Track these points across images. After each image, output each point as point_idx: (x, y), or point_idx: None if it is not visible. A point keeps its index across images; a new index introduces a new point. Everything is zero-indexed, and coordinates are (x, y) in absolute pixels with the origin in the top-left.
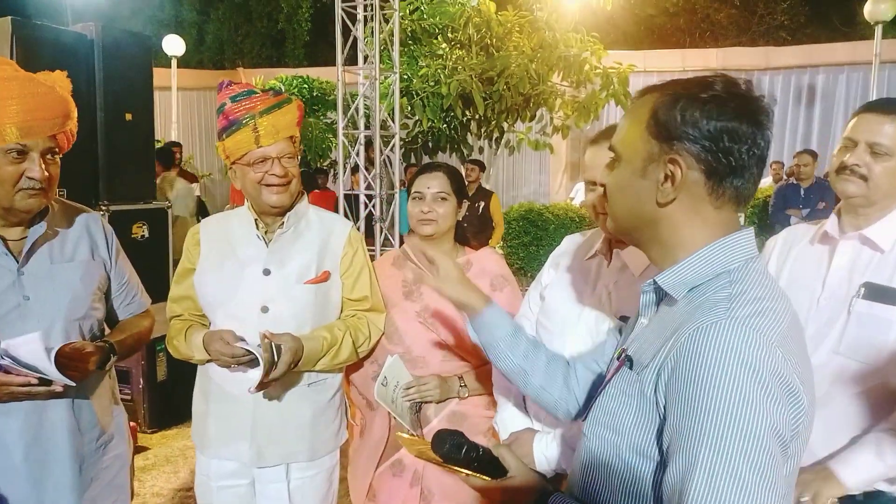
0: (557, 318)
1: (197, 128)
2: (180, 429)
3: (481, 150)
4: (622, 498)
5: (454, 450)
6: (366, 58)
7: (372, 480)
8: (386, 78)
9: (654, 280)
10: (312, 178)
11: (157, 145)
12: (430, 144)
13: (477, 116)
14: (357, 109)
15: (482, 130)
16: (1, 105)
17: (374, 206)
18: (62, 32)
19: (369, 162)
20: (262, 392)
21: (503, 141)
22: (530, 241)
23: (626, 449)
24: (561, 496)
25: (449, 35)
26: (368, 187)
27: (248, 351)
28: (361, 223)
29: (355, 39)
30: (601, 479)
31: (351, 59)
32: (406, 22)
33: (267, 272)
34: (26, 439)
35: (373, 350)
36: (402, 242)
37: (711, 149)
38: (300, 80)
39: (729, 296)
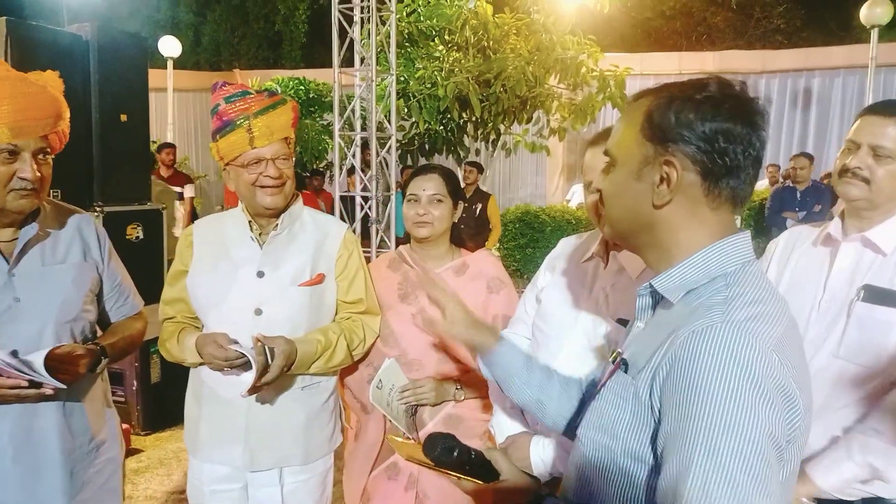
0: (554, 321)
1: (193, 129)
2: (174, 431)
3: (478, 152)
4: (616, 502)
5: (446, 453)
6: (362, 59)
7: (366, 484)
8: (382, 80)
9: (650, 283)
10: (300, 179)
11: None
12: (426, 146)
13: (474, 118)
14: (353, 111)
15: (479, 132)
16: None
17: (370, 208)
18: (57, 33)
19: (365, 164)
20: (255, 395)
21: (500, 143)
22: (526, 243)
23: (621, 453)
24: (553, 500)
25: (446, 37)
26: (364, 189)
27: (241, 353)
28: (357, 225)
29: (352, 41)
30: (595, 482)
31: (348, 61)
32: (403, 24)
33: (261, 274)
34: (16, 443)
35: (368, 353)
36: (398, 244)
37: (707, 150)
38: (297, 81)
39: (725, 299)
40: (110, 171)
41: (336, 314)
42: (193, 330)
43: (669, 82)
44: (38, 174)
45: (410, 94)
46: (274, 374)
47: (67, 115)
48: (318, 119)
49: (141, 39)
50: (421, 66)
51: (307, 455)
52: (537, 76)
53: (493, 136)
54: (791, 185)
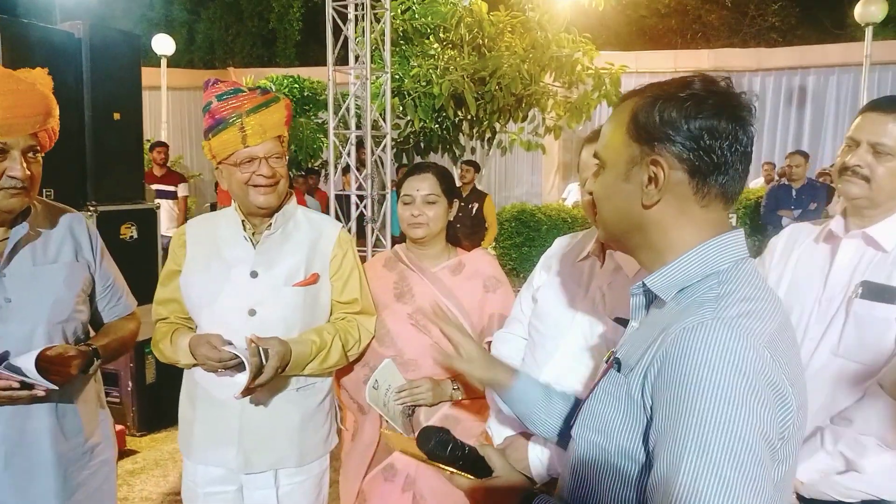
0: (550, 320)
1: (187, 128)
2: (169, 432)
3: (473, 150)
4: (610, 500)
5: (439, 447)
6: (357, 57)
7: (362, 485)
8: (377, 78)
9: (642, 283)
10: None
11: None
12: (421, 145)
13: (469, 117)
14: (348, 109)
15: (474, 131)
16: None
17: (365, 207)
18: (50, 31)
19: (360, 162)
20: (249, 397)
21: (495, 141)
22: (522, 241)
23: (615, 452)
24: (546, 497)
25: (441, 35)
26: (360, 188)
27: (235, 355)
28: (353, 224)
29: (346, 39)
30: (590, 482)
31: (342, 59)
32: (397, 22)
33: (254, 274)
34: (8, 445)
35: (364, 353)
36: (393, 243)
37: (692, 147)
38: (291, 79)
39: (717, 296)
40: (103, 171)
41: (331, 314)
42: (187, 331)
43: (654, 82)
44: (28, 172)
45: (405, 93)
46: (268, 375)
47: (57, 112)
48: (312, 117)
49: (134, 37)
50: (416, 64)
51: (302, 457)
52: (532, 74)
53: (488, 135)
54: (787, 183)
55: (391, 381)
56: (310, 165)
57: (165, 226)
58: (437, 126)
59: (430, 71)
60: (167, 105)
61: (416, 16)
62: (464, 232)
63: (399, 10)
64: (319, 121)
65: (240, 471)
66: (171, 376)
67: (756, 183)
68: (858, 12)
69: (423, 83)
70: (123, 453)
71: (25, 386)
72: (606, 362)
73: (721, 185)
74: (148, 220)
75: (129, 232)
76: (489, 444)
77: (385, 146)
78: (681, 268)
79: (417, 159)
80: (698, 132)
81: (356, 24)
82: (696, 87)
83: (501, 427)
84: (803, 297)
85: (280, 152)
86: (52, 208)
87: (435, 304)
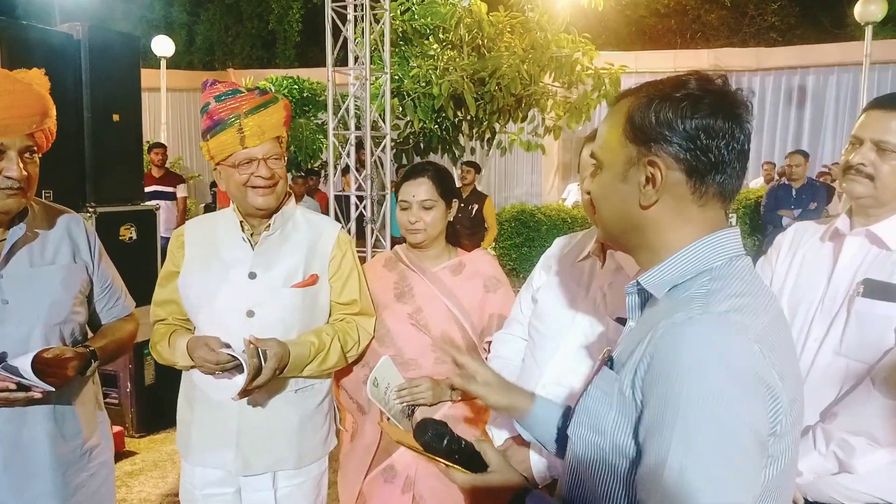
0: (550, 320)
1: (187, 129)
2: (168, 433)
3: (473, 150)
4: (606, 497)
5: (435, 439)
6: (356, 58)
7: (362, 486)
8: (377, 78)
9: (636, 281)
10: None
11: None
12: (421, 145)
13: (468, 117)
14: (348, 110)
15: (474, 131)
16: None
17: (364, 208)
18: (49, 33)
19: (360, 163)
20: (247, 399)
21: (495, 142)
22: (522, 241)
23: (609, 449)
24: (539, 493)
25: (440, 35)
26: (359, 188)
27: (232, 357)
28: (352, 224)
29: (346, 40)
30: (586, 479)
31: (341, 60)
32: (397, 22)
33: (253, 275)
34: (6, 447)
35: (363, 354)
36: (393, 244)
37: (689, 147)
38: (290, 80)
39: (707, 292)
40: (103, 172)
41: (330, 315)
42: (185, 332)
43: (649, 81)
44: (25, 173)
45: (405, 93)
46: (266, 376)
47: (54, 112)
48: (312, 118)
49: (133, 39)
50: (415, 65)
51: (301, 458)
52: (532, 74)
53: (488, 135)
54: (787, 182)
55: (390, 380)
56: (309, 166)
57: (164, 227)
58: (436, 126)
59: (430, 71)
60: (167, 106)
61: (416, 16)
62: (463, 233)
63: (398, 11)
64: (319, 122)
65: (238, 473)
66: (170, 378)
67: (756, 183)
68: (858, 11)
69: (423, 84)
70: (122, 454)
71: (22, 387)
72: (601, 360)
73: (719, 184)
74: (147, 222)
75: (129, 233)
76: (486, 440)
77: (384, 147)
78: (673, 265)
79: (417, 160)
80: (695, 132)
81: (355, 25)
82: (692, 86)
83: (501, 429)
84: (808, 295)
85: (279, 153)
86: (49, 209)
87: (445, 334)
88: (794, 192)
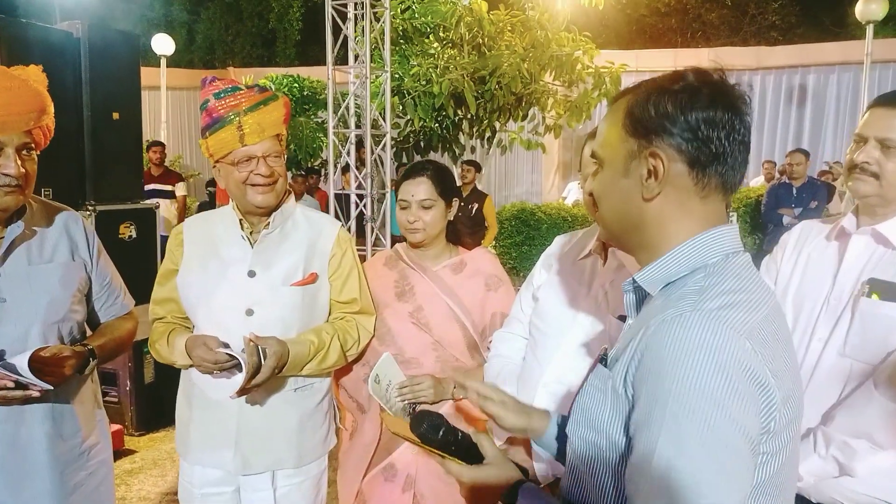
0: (551, 319)
1: (187, 127)
2: (168, 431)
3: (473, 149)
4: (604, 496)
5: (432, 430)
6: (356, 57)
7: (362, 485)
8: (377, 77)
9: (633, 279)
10: None
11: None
12: (421, 144)
13: (469, 116)
14: (348, 109)
15: (474, 130)
16: None
17: (364, 206)
18: (48, 31)
19: (360, 161)
20: (246, 397)
21: (495, 140)
22: (522, 240)
23: (606, 446)
24: (532, 486)
25: (441, 34)
26: (359, 187)
27: (231, 356)
28: (352, 223)
29: (346, 38)
30: (584, 477)
31: (342, 59)
32: (397, 21)
33: (252, 274)
34: (2, 447)
35: (363, 353)
36: (393, 242)
37: (690, 138)
38: (290, 79)
39: (700, 289)
40: (102, 170)
41: (330, 314)
42: (183, 331)
43: (647, 79)
44: (23, 170)
45: (405, 92)
46: (265, 375)
47: (52, 109)
48: (312, 117)
49: (133, 37)
50: (415, 63)
51: (300, 458)
52: (532, 73)
53: (488, 134)
54: (787, 181)
55: (392, 377)
56: (309, 165)
57: (163, 225)
58: (436, 125)
59: (430, 70)
60: (167, 105)
61: (416, 15)
62: (464, 232)
63: (399, 9)
64: (319, 120)
65: (237, 472)
66: (170, 376)
67: (757, 181)
68: (859, 10)
69: (423, 82)
70: (121, 453)
71: (20, 386)
72: (597, 358)
73: (721, 175)
74: (147, 220)
75: (128, 231)
76: (483, 432)
77: (385, 145)
78: (669, 262)
79: (417, 158)
80: (696, 123)
81: (356, 24)
82: (690, 79)
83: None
84: (813, 294)
85: (278, 151)
86: (48, 207)
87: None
88: (794, 191)
